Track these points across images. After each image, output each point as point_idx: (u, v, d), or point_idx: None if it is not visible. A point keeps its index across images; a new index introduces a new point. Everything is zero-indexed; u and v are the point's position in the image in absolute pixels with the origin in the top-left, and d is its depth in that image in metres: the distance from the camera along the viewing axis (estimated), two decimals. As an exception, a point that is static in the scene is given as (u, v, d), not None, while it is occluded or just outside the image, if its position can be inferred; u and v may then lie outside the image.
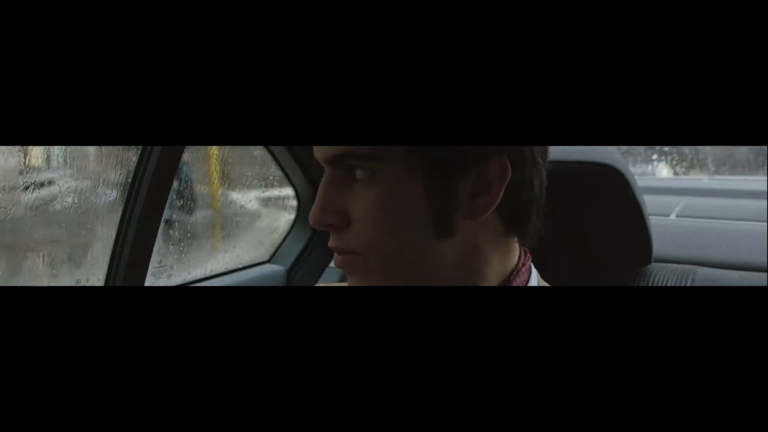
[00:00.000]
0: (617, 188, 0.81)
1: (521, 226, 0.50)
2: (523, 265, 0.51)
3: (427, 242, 0.47)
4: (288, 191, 1.38)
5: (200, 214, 1.23)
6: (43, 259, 0.90)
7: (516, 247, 0.51)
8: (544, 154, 0.50)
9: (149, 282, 0.97)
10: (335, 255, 0.50)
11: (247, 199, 1.34)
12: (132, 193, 0.92)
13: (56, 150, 0.89)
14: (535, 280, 0.52)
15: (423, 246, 0.47)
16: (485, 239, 0.48)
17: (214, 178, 1.27)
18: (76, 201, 0.91)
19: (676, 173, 2.21)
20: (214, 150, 1.24)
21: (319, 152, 0.49)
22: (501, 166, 0.46)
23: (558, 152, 0.82)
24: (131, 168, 0.91)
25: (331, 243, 0.49)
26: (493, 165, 0.46)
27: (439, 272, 0.48)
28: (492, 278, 0.49)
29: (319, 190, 0.49)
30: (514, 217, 0.49)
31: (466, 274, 0.49)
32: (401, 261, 0.48)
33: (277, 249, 1.41)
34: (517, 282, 0.50)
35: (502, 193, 0.46)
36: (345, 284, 0.53)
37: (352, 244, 0.48)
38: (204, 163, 1.25)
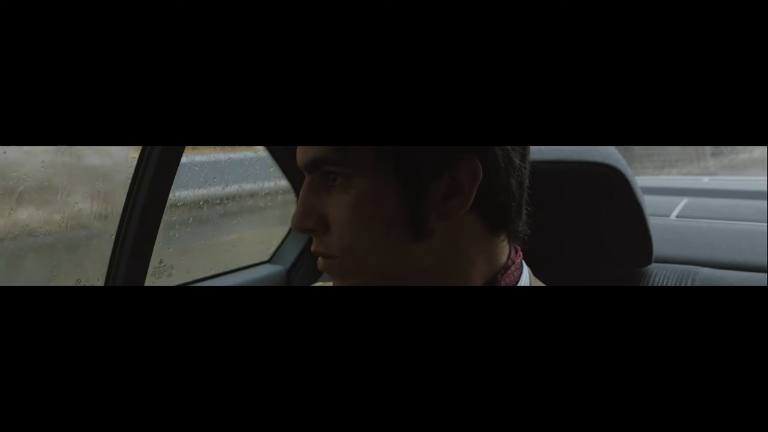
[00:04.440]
0: (617, 188, 0.80)
1: (504, 225, 0.50)
2: (513, 263, 0.51)
3: (404, 245, 0.48)
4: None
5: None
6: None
7: (504, 247, 0.51)
8: (523, 155, 0.50)
9: (149, 282, 0.97)
10: (318, 258, 0.50)
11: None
12: (132, 193, 0.92)
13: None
14: (526, 279, 0.52)
15: (399, 249, 0.48)
16: (467, 240, 0.49)
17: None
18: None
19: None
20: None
21: (299, 158, 0.49)
22: (472, 167, 0.46)
23: (558, 152, 0.82)
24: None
25: (313, 247, 0.50)
26: (464, 167, 0.46)
27: (420, 273, 0.49)
28: (477, 278, 0.50)
29: (300, 195, 0.50)
30: (495, 217, 0.49)
31: (448, 275, 0.49)
32: (377, 264, 0.48)
33: (277, 249, 1.42)
34: (506, 281, 0.50)
35: (474, 194, 0.47)
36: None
37: (330, 248, 0.49)
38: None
